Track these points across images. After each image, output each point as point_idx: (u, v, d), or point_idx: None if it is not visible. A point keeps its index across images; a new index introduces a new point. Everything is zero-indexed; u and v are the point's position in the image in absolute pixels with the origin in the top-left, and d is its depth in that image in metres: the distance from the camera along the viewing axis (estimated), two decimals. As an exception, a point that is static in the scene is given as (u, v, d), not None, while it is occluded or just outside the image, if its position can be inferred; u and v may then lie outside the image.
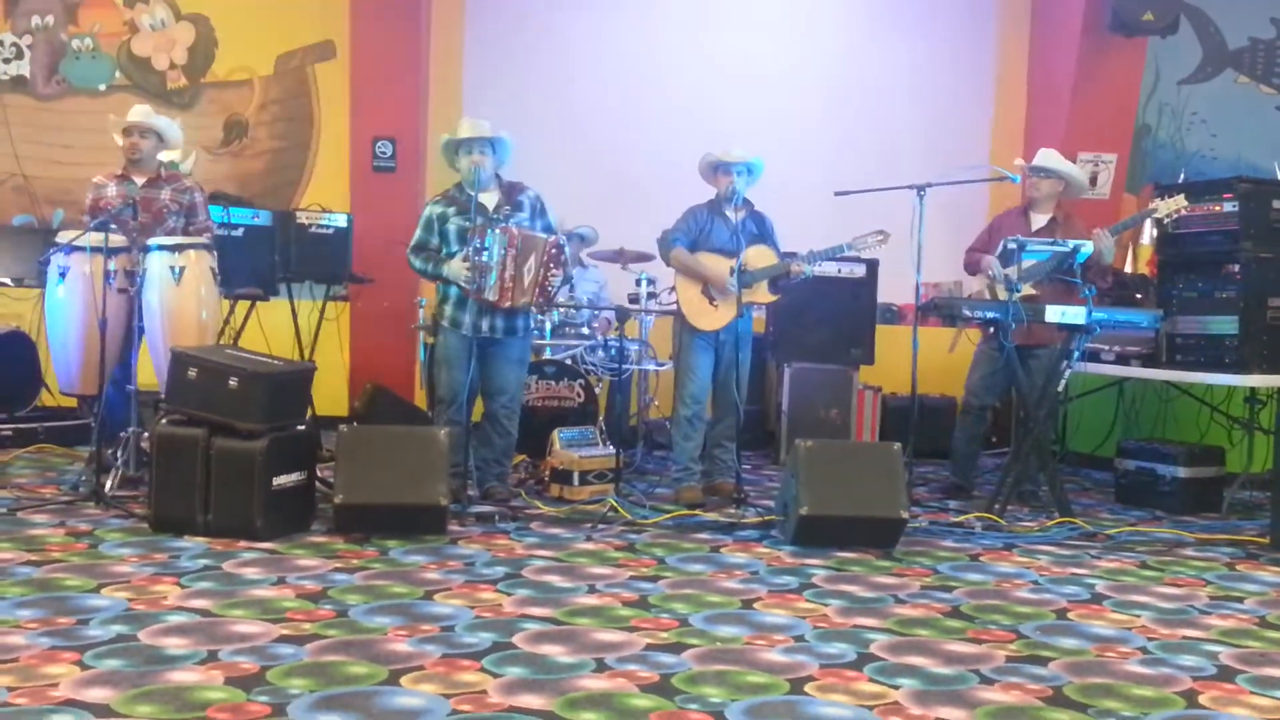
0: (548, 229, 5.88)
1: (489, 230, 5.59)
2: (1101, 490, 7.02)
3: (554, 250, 5.68)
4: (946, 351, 6.37)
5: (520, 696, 3.13)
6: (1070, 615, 4.21)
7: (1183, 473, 6.42)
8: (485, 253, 5.56)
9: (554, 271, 5.69)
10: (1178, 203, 6.20)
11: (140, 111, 6.19)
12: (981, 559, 5.08)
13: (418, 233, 5.86)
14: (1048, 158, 6.47)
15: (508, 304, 5.64)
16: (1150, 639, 3.94)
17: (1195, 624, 4.15)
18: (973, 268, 6.52)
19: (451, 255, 5.73)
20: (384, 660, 3.38)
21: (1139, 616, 4.22)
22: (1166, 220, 6.31)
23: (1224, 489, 6.49)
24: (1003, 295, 6.01)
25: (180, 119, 6.75)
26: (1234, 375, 6.19)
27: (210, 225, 6.22)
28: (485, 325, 5.67)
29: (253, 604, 3.93)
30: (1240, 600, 4.53)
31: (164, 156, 6.30)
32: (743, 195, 6.11)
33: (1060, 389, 6.02)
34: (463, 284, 5.64)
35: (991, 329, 6.16)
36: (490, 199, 5.81)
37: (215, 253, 5.88)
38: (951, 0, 9.16)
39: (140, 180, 6.07)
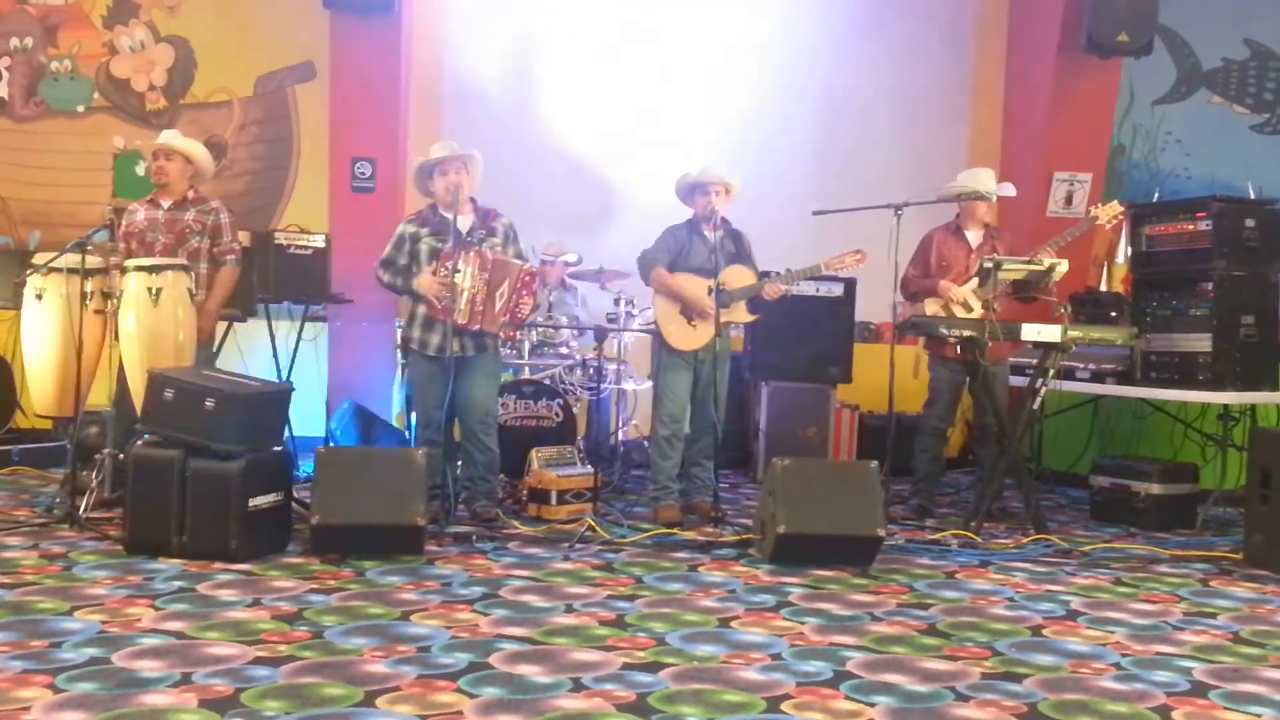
0: (519, 257, 5.90)
1: (462, 253, 5.61)
2: (1076, 507, 7.05)
3: (527, 278, 5.71)
4: (911, 377, 6.38)
5: (497, 717, 3.13)
6: (1045, 632, 4.23)
7: (1157, 489, 6.45)
8: (457, 274, 5.58)
9: (525, 299, 5.72)
10: (1114, 208, 6.37)
11: (166, 134, 6.20)
12: (958, 576, 5.10)
13: (387, 249, 5.89)
14: (989, 179, 6.53)
15: (476, 327, 5.65)
16: (1124, 655, 3.96)
17: (1169, 640, 4.17)
18: (925, 294, 6.50)
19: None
20: (360, 681, 3.37)
21: (1113, 633, 4.24)
22: (1109, 224, 6.44)
23: (1198, 505, 6.52)
24: (962, 314, 6.26)
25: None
26: (1207, 392, 6.25)
27: (235, 247, 6.19)
28: (455, 344, 5.66)
29: (228, 626, 3.92)
30: (1214, 616, 4.55)
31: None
32: (720, 214, 6.13)
33: (1036, 406, 6.07)
34: (433, 299, 5.65)
35: (959, 350, 6.25)
36: (465, 222, 5.82)
37: (193, 274, 5.87)
38: (928, 21, 9.23)
39: (166, 203, 6.07)
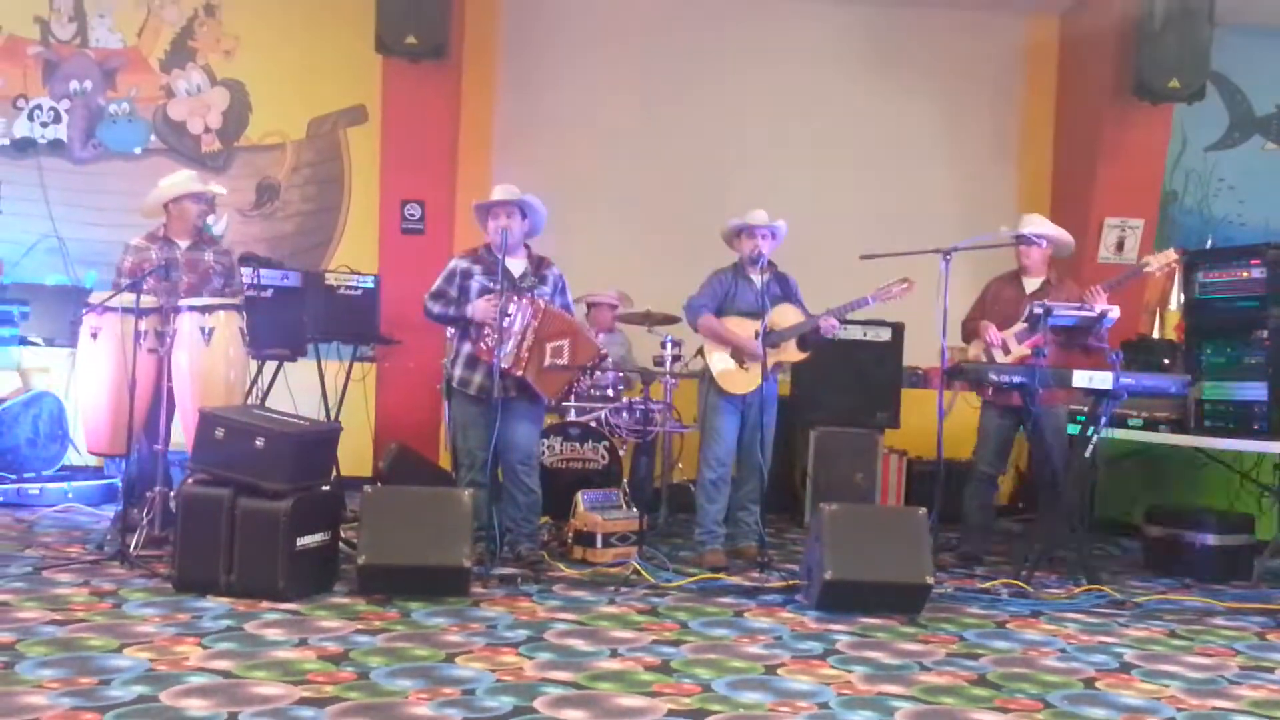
0: (566, 308, 5.92)
1: (513, 298, 5.64)
2: (1130, 557, 6.94)
3: (598, 360, 5.78)
4: (947, 413, 6.32)
5: (540, 762, 3.11)
6: (1098, 684, 4.16)
7: (1212, 540, 6.35)
8: (507, 319, 5.60)
9: (585, 381, 5.83)
10: (1168, 256, 6.30)
11: (189, 175, 6.29)
12: (1008, 626, 5.02)
13: (438, 282, 5.91)
14: (1036, 223, 6.49)
15: (519, 373, 5.66)
16: (1180, 709, 3.88)
17: (1225, 694, 4.09)
18: (974, 335, 6.53)
19: None
20: (404, 723, 3.37)
21: (1168, 686, 4.16)
22: (1159, 272, 6.38)
23: (1255, 557, 6.41)
24: (999, 358, 6.23)
25: (214, 182, 6.88)
26: (1263, 441, 6.14)
27: (243, 287, 6.35)
28: (497, 386, 5.66)
29: (274, 665, 3.93)
30: (1271, 670, 4.45)
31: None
32: (766, 258, 6.13)
33: (1088, 454, 5.98)
34: (485, 321, 5.66)
35: (991, 393, 6.18)
36: (517, 266, 5.85)
37: (244, 313, 5.94)
38: (978, 64, 9.24)
39: (184, 243, 6.15)
